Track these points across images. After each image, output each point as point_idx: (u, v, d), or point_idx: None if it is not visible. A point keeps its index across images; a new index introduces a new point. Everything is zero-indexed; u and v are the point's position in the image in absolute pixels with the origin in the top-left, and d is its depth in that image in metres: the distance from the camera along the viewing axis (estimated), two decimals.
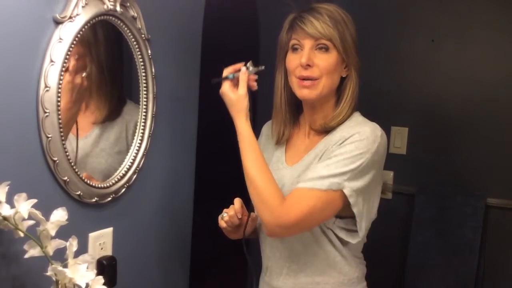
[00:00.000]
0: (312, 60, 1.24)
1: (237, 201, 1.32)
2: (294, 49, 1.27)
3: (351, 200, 1.20)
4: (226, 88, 1.27)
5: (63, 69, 1.06)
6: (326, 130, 1.30)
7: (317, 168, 1.21)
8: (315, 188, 1.18)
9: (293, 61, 1.27)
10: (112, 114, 1.28)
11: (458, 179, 2.16)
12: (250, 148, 1.24)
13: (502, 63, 2.08)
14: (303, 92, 1.27)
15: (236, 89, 1.26)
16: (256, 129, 1.32)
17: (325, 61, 1.24)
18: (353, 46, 1.27)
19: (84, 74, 1.15)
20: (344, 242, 1.29)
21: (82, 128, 1.20)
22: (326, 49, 1.24)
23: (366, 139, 1.22)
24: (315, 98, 1.28)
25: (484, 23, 2.10)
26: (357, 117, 1.32)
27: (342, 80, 1.30)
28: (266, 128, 1.48)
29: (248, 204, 1.33)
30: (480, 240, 2.06)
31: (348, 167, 1.19)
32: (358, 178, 1.20)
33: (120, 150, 1.30)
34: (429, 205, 2.14)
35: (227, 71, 1.29)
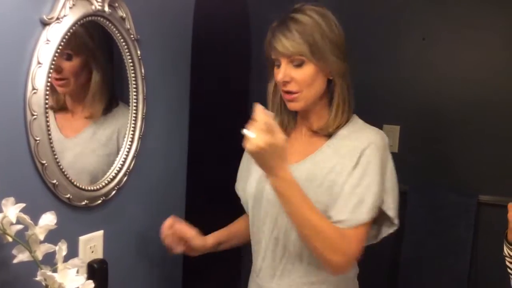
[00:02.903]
0: (289, 76, 1.24)
1: (168, 221, 1.36)
2: (276, 64, 1.28)
3: (390, 214, 1.28)
4: (264, 138, 1.08)
5: (51, 71, 1.04)
6: (326, 134, 1.31)
7: (354, 197, 1.23)
8: (365, 221, 1.23)
9: (276, 76, 1.28)
10: (103, 115, 1.26)
11: (450, 176, 2.16)
12: (303, 196, 1.18)
13: (493, 61, 2.08)
14: (289, 105, 1.29)
15: (272, 134, 1.10)
16: None
17: (302, 75, 1.24)
18: (331, 51, 1.24)
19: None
20: None
21: (74, 128, 1.19)
22: (300, 64, 1.24)
23: (383, 148, 1.28)
24: (302, 109, 1.30)
25: (475, 21, 2.10)
26: (357, 120, 1.34)
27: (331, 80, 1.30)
28: None
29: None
30: (472, 238, 2.07)
31: (378, 185, 1.25)
32: (388, 190, 1.27)
33: (110, 152, 1.29)
34: (421, 203, 2.14)
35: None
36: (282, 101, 1.34)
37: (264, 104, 1.38)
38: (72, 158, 1.16)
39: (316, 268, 1.30)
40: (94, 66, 1.22)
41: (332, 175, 1.26)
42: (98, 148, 1.26)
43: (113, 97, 1.30)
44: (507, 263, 1.05)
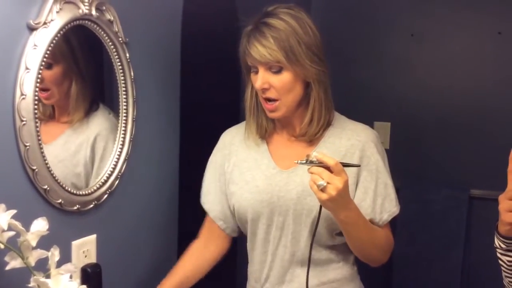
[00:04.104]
0: (268, 82, 1.23)
1: None
2: (253, 70, 1.26)
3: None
4: (340, 179, 1.08)
5: (39, 76, 1.04)
6: (310, 139, 1.31)
7: (377, 198, 1.29)
8: (396, 213, 1.32)
9: (253, 82, 1.27)
10: (80, 122, 1.25)
11: (442, 172, 2.18)
12: (363, 216, 1.23)
13: (482, 57, 2.10)
14: (269, 114, 1.28)
15: (341, 171, 1.09)
16: None
17: (280, 81, 1.23)
18: (307, 55, 1.22)
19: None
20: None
21: (52, 134, 1.18)
22: (278, 70, 1.22)
23: (378, 142, 1.32)
24: (282, 116, 1.29)
25: (464, 16, 2.12)
26: (340, 117, 1.35)
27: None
28: (228, 137, 1.42)
29: None
30: (464, 232, 2.09)
31: (390, 177, 1.32)
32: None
33: (77, 163, 1.24)
34: (414, 199, 2.15)
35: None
36: (258, 105, 1.32)
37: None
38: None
39: (325, 269, 1.31)
40: (74, 72, 1.20)
41: None
42: (65, 159, 1.23)
43: (94, 101, 1.28)
44: (498, 255, 1.06)
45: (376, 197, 1.29)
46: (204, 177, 1.44)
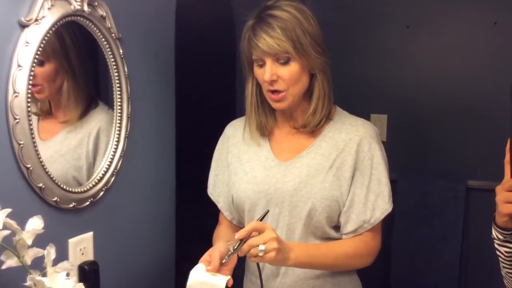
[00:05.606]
0: (276, 74, 1.23)
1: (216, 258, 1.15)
2: (258, 63, 1.26)
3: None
4: (270, 235, 1.10)
5: (32, 73, 1.03)
6: (312, 130, 1.31)
7: (370, 194, 1.27)
8: (388, 211, 1.30)
9: (259, 75, 1.26)
10: (79, 118, 1.24)
11: (439, 163, 2.18)
12: (318, 247, 1.26)
13: (477, 48, 2.09)
14: (275, 105, 1.28)
15: (265, 227, 1.12)
16: None
17: (288, 72, 1.23)
18: (312, 46, 1.23)
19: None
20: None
21: (51, 131, 1.17)
22: (286, 61, 1.22)
23: (378, 138, 1.31)
24: (288, 107, 1.28)
25: (459, 8, 2.11)
26: (342, 112, 1.35)
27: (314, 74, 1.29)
28: (231, 129, 1.42)
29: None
30: (462, 223, 2.09)
31: (386, 176, 1.30)
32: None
33: (79, 157, 1.24)
34: (411, 191, 2.15)
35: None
36: (260, 102, 1.32)
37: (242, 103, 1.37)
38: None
39: None
40: (66, 70, 1.19)
41: (334, 170, 1.27)
42: (67, 153, 1.22)
43: (92, 99, 1.28)
44: (496, 246, 1.06)
45: (369, 193, 1.28)
46: (210, 168, 1.44)
